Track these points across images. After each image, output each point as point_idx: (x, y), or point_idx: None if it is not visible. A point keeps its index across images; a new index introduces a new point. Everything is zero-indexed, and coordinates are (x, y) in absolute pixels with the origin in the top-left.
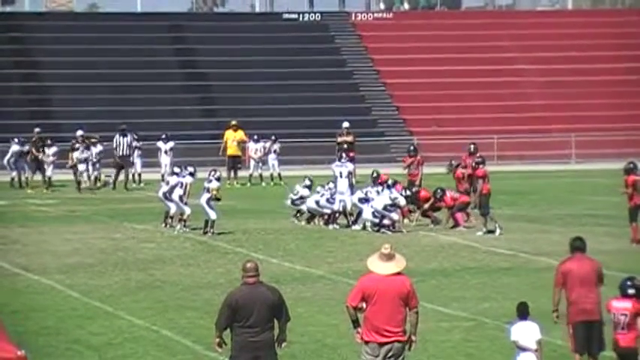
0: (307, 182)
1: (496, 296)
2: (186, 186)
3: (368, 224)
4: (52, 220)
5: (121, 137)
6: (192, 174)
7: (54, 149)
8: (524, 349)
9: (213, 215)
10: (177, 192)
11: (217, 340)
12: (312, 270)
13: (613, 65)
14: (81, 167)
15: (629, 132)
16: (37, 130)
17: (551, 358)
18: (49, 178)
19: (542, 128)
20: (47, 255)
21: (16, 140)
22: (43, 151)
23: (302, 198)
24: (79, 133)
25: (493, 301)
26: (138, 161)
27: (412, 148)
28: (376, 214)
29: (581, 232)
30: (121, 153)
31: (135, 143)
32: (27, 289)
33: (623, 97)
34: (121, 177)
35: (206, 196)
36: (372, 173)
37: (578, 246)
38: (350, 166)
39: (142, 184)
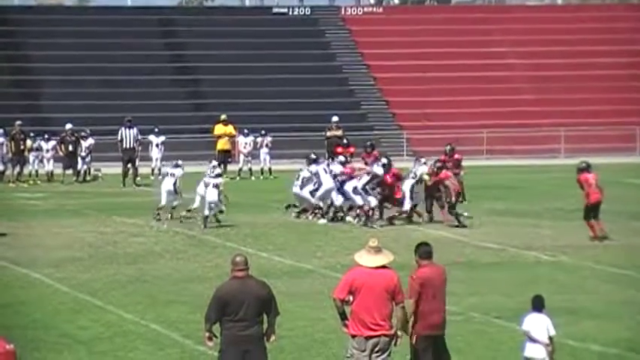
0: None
1: (485, 291)
2: (177, 178)
3: (352, 219)
4: (41, 214)
5: (127, 130)
6: (180, 166)
7: (29, 142)
8: (534, 341)
9: (222, 206)
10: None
11: (207, 334)
12: (302, 264)
13: (602, 60)
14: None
15: (618, 127)
16: (18, 123)
17: None
18: (36, 171)
19: (531, 123)
20: (36, 249)
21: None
22: (24, 145)
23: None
24: (68, 126)
25: (481, 295)
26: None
27: (369, 144)
28: (358, 190)
29: (570, 226)
30: (126, 146)
31: (139, 137)
32: (16, 282)
33: (612, 91)
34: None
35: (214, 191)
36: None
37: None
38: (338, 168)
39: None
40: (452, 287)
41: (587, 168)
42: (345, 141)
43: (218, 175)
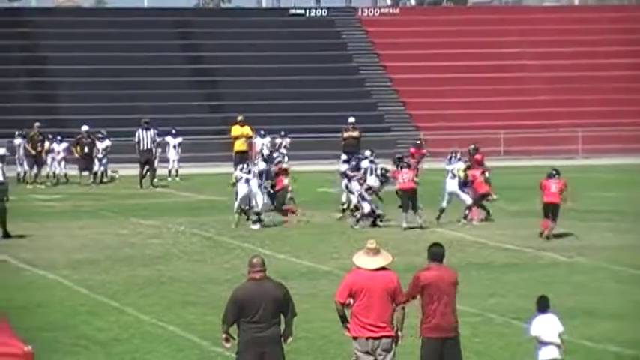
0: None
1: (502, 292)
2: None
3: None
4: (58, 216)
5: (144, 132)
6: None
7: (47, 144)
8: (546, 344)
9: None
10: (257, 182)
11: (224, 335)
12: (319, 265)
13: (619, 61)
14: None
15: (635, 127)
16: (37, 124)
17: None
18: (54, 173)
19: (548, 124)
20: (54, 250)
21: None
22: (42, 147)
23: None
24: (84, 128)
25: (500, 296)
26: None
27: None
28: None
29: (586, 227)
30: (144, 147)
31: (156, 138)
32: (33, 284)
33: (629, 92)
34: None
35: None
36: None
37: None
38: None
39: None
40: (470, 288)
41: (553, 175)
42: (418, 142)
43: (248, 172)
